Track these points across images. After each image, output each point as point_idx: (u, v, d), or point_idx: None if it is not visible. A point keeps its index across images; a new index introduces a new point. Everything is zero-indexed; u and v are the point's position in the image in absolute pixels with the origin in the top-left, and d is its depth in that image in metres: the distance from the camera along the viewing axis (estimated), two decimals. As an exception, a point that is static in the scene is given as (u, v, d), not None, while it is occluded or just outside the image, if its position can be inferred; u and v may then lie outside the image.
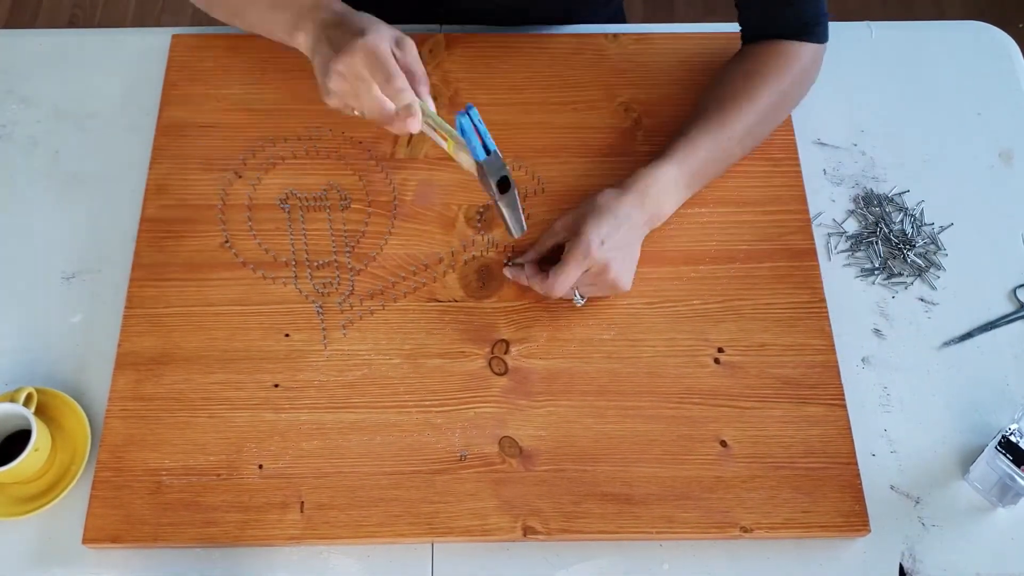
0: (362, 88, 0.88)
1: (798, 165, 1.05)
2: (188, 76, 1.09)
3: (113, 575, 0.87)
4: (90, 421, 0.92)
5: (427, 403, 0.93)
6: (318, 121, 1.06)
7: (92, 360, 0.96)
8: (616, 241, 0.91)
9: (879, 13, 2.27)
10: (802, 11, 1.01)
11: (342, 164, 1.05)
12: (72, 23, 2.29)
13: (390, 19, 1.18)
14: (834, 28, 1.12)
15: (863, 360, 0.97)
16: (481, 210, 1.02)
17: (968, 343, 0.98)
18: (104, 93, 1.11)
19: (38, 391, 0.92)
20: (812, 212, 1.04)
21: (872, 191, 1.06)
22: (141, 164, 1.05)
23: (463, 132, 0.86)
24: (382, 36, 0.89)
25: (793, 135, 1.07)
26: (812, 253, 1.01)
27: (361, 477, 0.89)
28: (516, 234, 0.92)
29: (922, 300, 1.00)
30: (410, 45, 0.92)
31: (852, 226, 1.04)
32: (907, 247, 1.02)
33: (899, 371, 0.97)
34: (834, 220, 1.05)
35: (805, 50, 1.01)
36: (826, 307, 0.98)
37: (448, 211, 1.02)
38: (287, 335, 0.96)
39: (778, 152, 1.06)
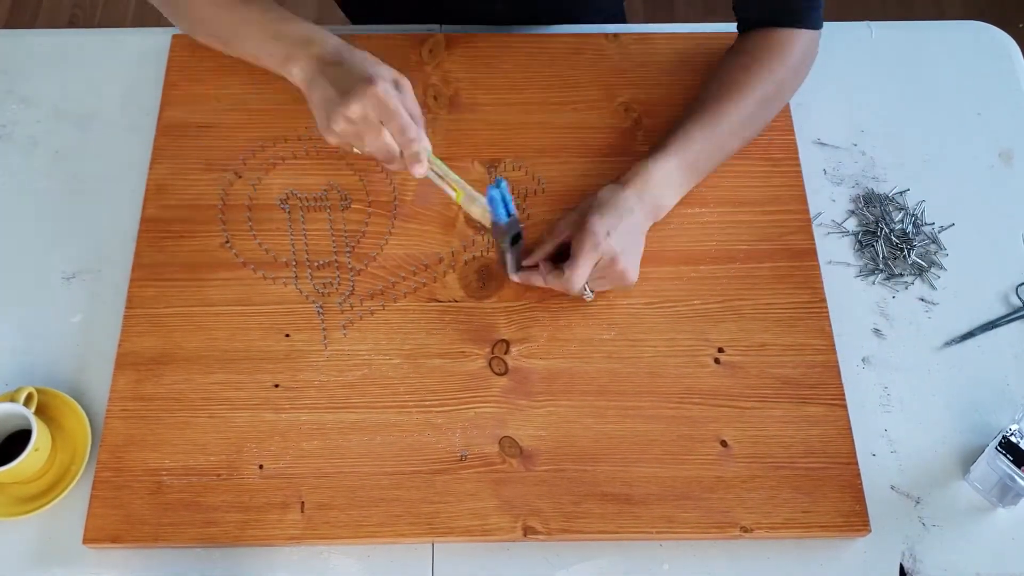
0: (370, 133, 0.89)
1: (798, 165, 1.05)
2: (188, 76, 1.09)
3: (113, 575, 0.87)
4: (90, 421, 0.92)
5: (427, 403, 0.93)
6: (318, 121, 1.06)
7: (92, 360, 0.96)
8: (621, 233, 0.92)
9: (879, 13, 2.27)
10: None
11: (342, 164, 1.05)
12: (72, 23, 2.29)
13: (390, 19, 1.19)
14: (834, 28, 1.13)
15: (863, 360, 0.97)
16: (481, 210, 1.02)
17: (968, 343, 0.98)
18: (104, 93, 1.11)
19: (38, 391, 0.92)
20: (812, 212, 1.04)
21: (872, 191, 1.06)
22: (141, 164, 1.05)
23: (491, 201, 0.88)
24: (387, 80, 0.89)
25: (793, 135, 1.07)
26: (812, 253, 1.01)
27: (361, 477, 0.89)
28: (512, 276, 0.96)
29: (922, 300, 1.00)
30: (407, 86, 0.92)
31: (852, 226, 1.04)
32: (907, 247, 1.02)
33: (899, 371, 0.97)
34: (833, 221, 1.05)
35: (799, 38, 1.01)
36: (826, 307, 0.98)
37: (448, 211, 1.02)
38: (287, 335, 0.96)
39: (778, 152, 1.06)
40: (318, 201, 1.03)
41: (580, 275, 0.91)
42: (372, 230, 1.01)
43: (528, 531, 0.87)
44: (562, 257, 0.93)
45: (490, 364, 0.95)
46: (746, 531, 0.88)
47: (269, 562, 0.88)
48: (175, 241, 1.00)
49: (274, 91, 1.07)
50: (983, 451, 0.89)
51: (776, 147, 1.06)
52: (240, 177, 1.04)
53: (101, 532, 0.87)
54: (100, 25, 2.28)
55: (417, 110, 0.93)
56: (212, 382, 0.93)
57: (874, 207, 1.05)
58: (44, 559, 0.88)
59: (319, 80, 0.91)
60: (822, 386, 0.94)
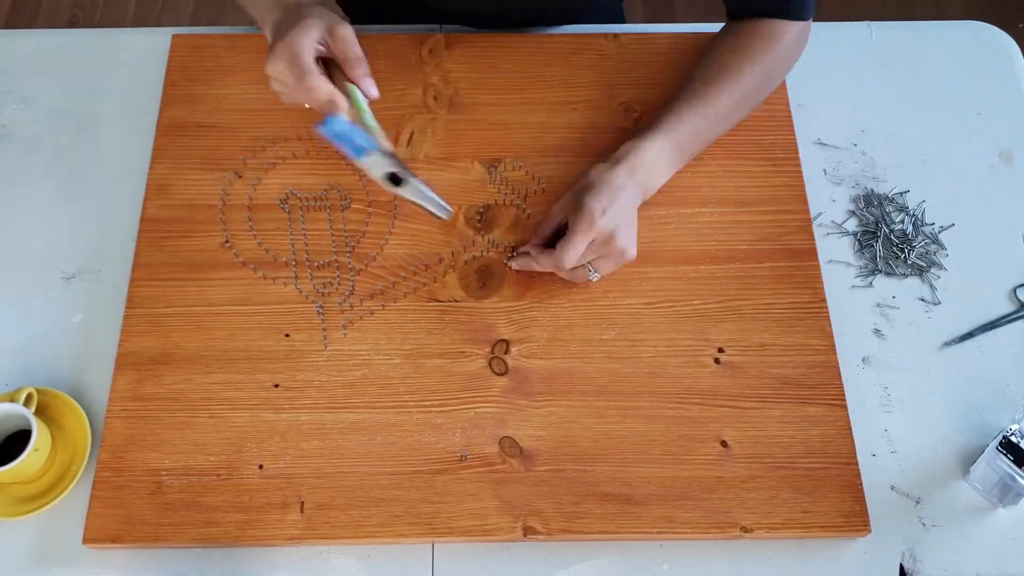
0: (286, 90, 0.93)
1: (798, 165, 1.05)
2: (188, 76, 1.09)
3: (113, 575, 0.87)
4: (90, 421, 0.92)
5: (427, 403, 0.93)
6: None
7: (92, 360, 0.96)
8: (616, 209, 0.92)
9: (879, 13, 2.27)
10: None
11: (342, 164, 1.05)
12: (72, 23, 2.29)
13: (391, 19, 1.19)
14: (834, 28, 1.13)
15: (863, 360, 0.97)
16: (481, 210, 1.02)
17: (968, 343, 0.98)
18: (104, 93, 1.11)
19: (38, 391, 0.92)
20: (812, 212, 1.04)
21: (872, 191, 1.06)
22: (141, 164, 1.05)
23: (332, 139, 0.88)
24: (304, 31, 0.90)
25: (793, 135, 1.07)
26: (812, 253, 1.01)
27: (361, 477, 0.89)
28: (443, 216, 0.96)
29: (922, 300, 1.00)
30: (343, 31, 0.92)
31: (852, 226, 1.04)
32: (907, 247, 1.02)
33: (899, 371, 0.97)
34: (833, 221, 1.05)
35: (790, 28, 1.02)
36: (826, 307, 0.98)
37: (448, 211, 1.02)
38: (287, 335, 0.96)
39: (778, 152, 1.06)
40: (318, 201, 1.03)
41: (572, 252, 0.91)
42: (372, 230, 1.01)
43: (528, 531, 0.87)
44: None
45: (490, 364, 0.95)
46: (746, 531, 0.88)
47: (269, 562, 0.88)
48: (175, 241, 1.00)
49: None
50: (983, 451, 0.89)
51: (776, 147, 1.06)
52: (240, 177, 1.04)
53: (101, 532, 0.87)
54: (100, 25, 2.28)
55: (355, 52, 0.92)
56: (212, 382, 0.93)
57: (874, 207, 1.05)
58: (44, 559, 0.88)
59: (271, 39, 0.94)
60: (822, 386, 0.94)
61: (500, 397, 0.93)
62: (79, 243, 1.02)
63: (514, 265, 0.98)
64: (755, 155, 1.05)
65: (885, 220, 1.04)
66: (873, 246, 1.03)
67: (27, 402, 0.90)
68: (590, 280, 0.96)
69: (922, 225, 1.04)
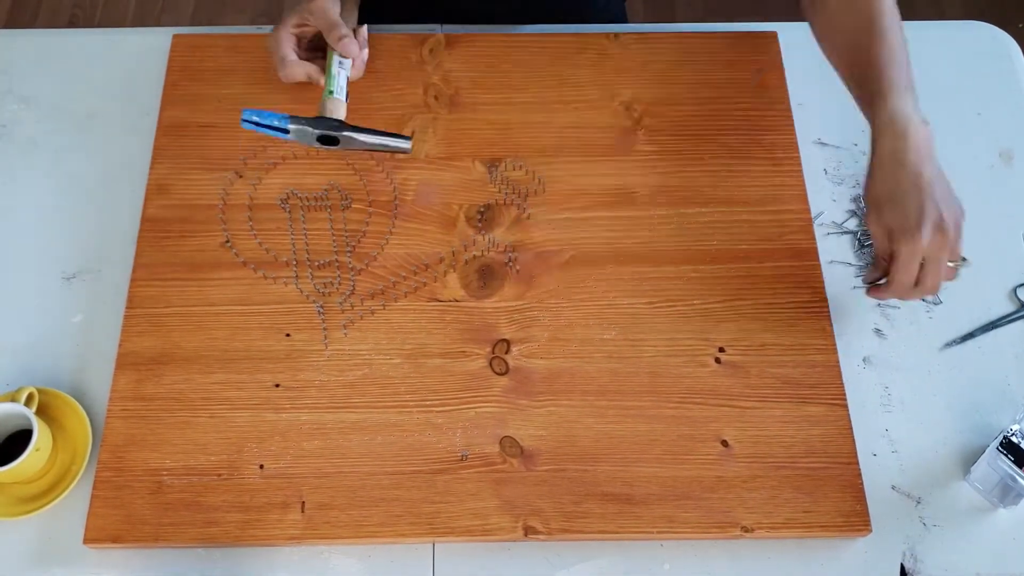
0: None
1: (799, 165, 1.05)
2: (188, 76, 1.09)
3: (113, 575, 0.87)
4: (91, 421, 0.92)
5: (428, 403, 0.93)
6: (319, 121, 1.06)
7: (93, 360, 0.96)
8: (929, 197, 0.87)
9: (879, 13, 2.27)
10: None
11: (343, 164, 1.05)
12: (72, 23, 2.29)
13: (391, 19, 1.19)
14: (835, 28, 1.12)
15: (864, 360, 0.97)
16: (482, 210, 1.02)
17: (969, 343, 0.98)
18: (104, 93, 1.11)
19: (39, 391, 0.92)
20: (813, 212, 1.04)
21: (873, 191, 1.06)
22: (141, 164, 1.04)
23: (257, 128, 0.95)
24: (282, 23, 1.01)
25: (794, 135, 1.07)
26: (813, 253, 1.01)
27: (362, 477, 0.89)
28: (405, 146, 0.97)
29: (923, 300, 1.00)
30: (316, 5, 1.00)
31: (853, 226, 1.04)
32: (908, 247, 1.02)
33: (900, 371, 0.97)
34: (834, 221, 1.05)
35: None
36: (827, 307, 0.98)
37: (449, 211, 1.02)
38: (288, 335, 0.96)
39: (779, 152, 1.06)
40: (318, 201, 1.03)
41: (905, 274, 0.87)
42: (372, 230, 1.01)
43: (529, 531, 0.87)
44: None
45: (491, 364, 0.95)
46: (747, 531, 0.88)
47: (269, 562, 0.88)
48: (175, 241, 1.00)
49: (274, 91, 1.07)
50: (984, 451, 0.89)
51: (777, 147, 1.06)
52: (240, 177, 1.04)
53: (101, 532, 0.87)
54: (100, 25, 2.28)
55: (326, 20, 1.00)
56: (212, 382, 0.93)
57: (875, 207, 1.05)
58: (44, 559, 0.88)
59: None
60: (823, 386, 0.94)
61: (501, 397, 0.93)
62: (79, 243, 1.02)
63: (874, 296, 0.94)
64: (756, 155, 1.05)
65: (885, 220, 1.04)
66: (873, 246, 1.02)
67: (28, 402, 0.90)
68: (955, 270, 0.91)
69: (922, 225, 1.04)
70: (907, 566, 0.88)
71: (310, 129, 0.95)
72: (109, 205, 1.04)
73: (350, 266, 0.99)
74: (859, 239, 1.03)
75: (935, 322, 0.99)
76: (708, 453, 0.91)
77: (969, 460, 0.92)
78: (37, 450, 0.86)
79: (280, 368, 0.94)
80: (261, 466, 0.90)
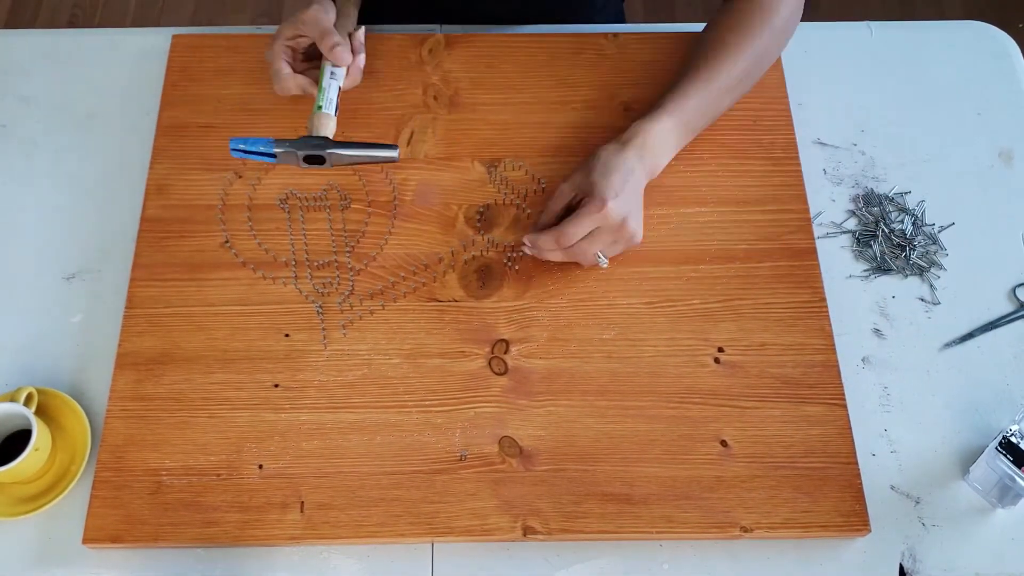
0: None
1: (798, 165, 1.05)
2: (188, 76, 1.10)
3: (113, 575, 0.87)
4: (90, 421, 0.92)
5: (427, 403, 0.93)
6: (318, 121, 1.06)
7: (92, 360, 0.96)
8: (627, 194, 0.93)
9: (879, 13, 2.27)
10: None
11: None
12: (72, 23, 2.29)
13: (391, 19, 1.19)
14: (834, 28, 1.13)
15: (863, 360, 0.97)
16: (481, 210, 1.02)
17: (968, 343, 0.98)
18: (104, 93, 1.11)
19: (38, 391, 0.92)
20: (812, 212, 1.04)
21: (872, 191, 1.06)
22: (141, 164, 1.05)
23: (245, 156, 0.97)
24: (276, 37, 1.01)
25: (793, 135, 1.07)
26: (812, 253, 1.01)
27: (361, 477, 0.89)
28: (392, 155, 0.96)
29: (922, 300, 1.00)
30: (307, 15, 0.99)
31: (852, 226, 1.04)
32: (907, 247, 1.02)
33: (899, 371, 0.97)
34: (833, 221, 1.05)
35: (784, 2, 1.02)
36: (826, 307, 0.98)
37: (448, 211, 1.02)
38: (287, 335, 0.96)
39: (778, 152, 1.06)
40: (318, 201, 1.03)
41: (574, 231, 0.92)
42: (372, 230, 1.02)
43: (528, 531, 0.87)
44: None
45: (490, 364, 0.95)
46: (746, 531, 0.88)
47: (269, 562, 0.88)
48: (175, 241, 1.00)
49: (274, 92, 1.07)
50: (983, 451, 0.89)
51: (776, 147, 1.06)
52: (240, 177, 1.04)
53: (101, 532, 0.87)
54: (100, 25, 2.28)
55: (317, 29, 0.99)
56: (212, 382, 0.93)
57: (874, 207, 1.05)
58: (44, 559, 0.88)
59: None
60: (822, 386, 0.94)
61: (500, 397, 0.93)
62: (79, 243, 1.02)
63: (527, 251, 0.97)
64: (755, 155, 1.05)
65: (885, 220, 1.04)
66: (873, 246, 1.03)
67: (27, 402, 0.90)
68: (600, 266, 0.96)
69: (922, 225, 1.04)
70: (906, 566, 0.88)
71: (295, 151, 0.95)
72: (109, 205, 1.04)
73: (349, 266, 0.99)
74: (858, 239, 1.03)
75: (934, 322, 0.99)
76: (707, 453, 0.91)
77: (968, 460, 0.92)
78: (36, 450, 0.86)
79: (279, 368, 0.94)
80: (260, 466, 0.90)
